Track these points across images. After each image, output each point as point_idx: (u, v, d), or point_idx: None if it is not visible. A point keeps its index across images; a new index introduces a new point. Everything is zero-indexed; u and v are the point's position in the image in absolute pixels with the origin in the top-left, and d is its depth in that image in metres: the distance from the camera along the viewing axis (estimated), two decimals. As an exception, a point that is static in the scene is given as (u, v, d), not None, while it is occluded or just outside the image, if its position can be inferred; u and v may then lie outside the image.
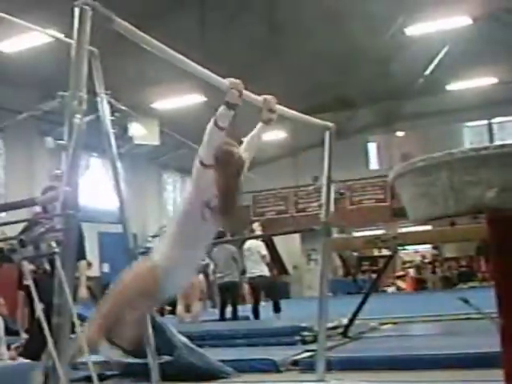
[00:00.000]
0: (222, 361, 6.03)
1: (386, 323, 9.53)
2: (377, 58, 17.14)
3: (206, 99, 16.84)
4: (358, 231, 22.95)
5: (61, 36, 3.49)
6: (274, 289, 12.77)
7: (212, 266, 11.93)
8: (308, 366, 5.66)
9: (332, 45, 16.21)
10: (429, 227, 5.73)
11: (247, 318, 11.78)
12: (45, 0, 11.74)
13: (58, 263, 2.16)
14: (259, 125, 3.94)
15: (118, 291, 3.48)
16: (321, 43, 16.00)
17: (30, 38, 12.06)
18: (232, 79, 3.40)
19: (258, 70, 13.97)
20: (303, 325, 7.90)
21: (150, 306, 3.79)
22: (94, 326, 3.22)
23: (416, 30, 15.20)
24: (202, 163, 3.31)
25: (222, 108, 3.34)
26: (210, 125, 3.31)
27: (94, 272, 16.90)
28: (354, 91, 19.35)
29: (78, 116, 2.31)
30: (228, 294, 11.79)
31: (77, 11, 2.46)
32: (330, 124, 4.87)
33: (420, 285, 23.37)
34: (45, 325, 2.13)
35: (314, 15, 15.13)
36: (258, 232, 12.36)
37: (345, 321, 8.22)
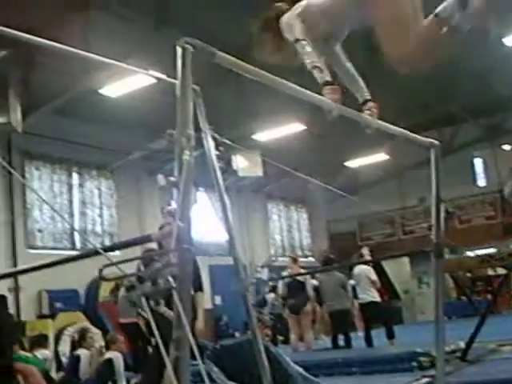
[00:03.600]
0: (339, 389, 5.96)
1: (506, 345, 9.16)
2: (476, 72, 16.73)
3: (305, 127, 16.94)
4: (469, 250, 22.26)
5: (163, 76, 3.60)
6: (386, 314, 12.54)
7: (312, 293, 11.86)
8: (428, 392, 5.51)
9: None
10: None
11: (360, 346, 11.63)
12: (144, 43, 12.15)
13: (176, 297, 2.21)
14: None
15: None
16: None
17: (132, 81, 12.52)
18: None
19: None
20: (419, 350, 7.72)
21: None
22: None
23: (515, 39, 14.79)
24: None
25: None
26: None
27: (207, 304, 17.16)
28: (455, 107, 18.96)
29: (187, 152, 2.37)
30: (339, 322, 11.68)
31: (179, 50, 2.54)
32: (435, 141, 4.76)
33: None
34: (166, 360, 2.17)
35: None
36: (367, 257, 12.20)
37: (462, 344, 7.96)
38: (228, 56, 2.86)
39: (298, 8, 3.88)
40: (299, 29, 3.81)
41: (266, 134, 17.11)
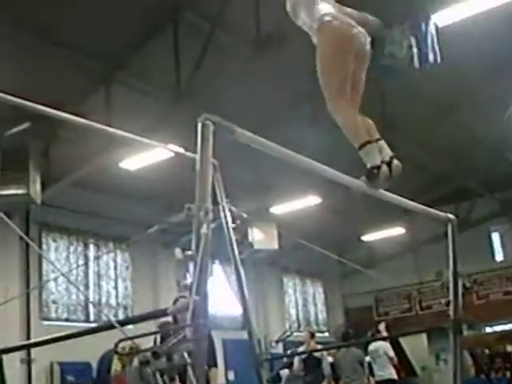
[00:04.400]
0: None
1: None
2: (493, 146, 16.80)
3: (321, 200, 16.97)
4: (487, 326, 21.90)
5: (183, 151, 3.65)
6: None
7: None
8: None
9: (445, 135, 16.07)
10: None
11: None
12: (164, 117, 12.34)
13: (191, 373, 2.18)
14: None
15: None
16: (434, 135, 15.88)
17: (151, 155, 12.68)
18: None
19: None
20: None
21: None
22: None
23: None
24: None
25: None
26: None
27: (220, 379, 16.85)
28: (472, 181, 18.95)
29: (205, 226, 2.38)
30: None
31: (199, 126, 2.58)
32: (452, 216, 4.75)
33: None
34: None
35: (424, 108, 15.12)
36: (384, 333, 12.02)
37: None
38: (247, 133, 2.90)
39: None
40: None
41: (282, 207, 17.14)
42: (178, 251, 2.46)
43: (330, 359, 11.89)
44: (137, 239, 12.99)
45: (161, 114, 12.39)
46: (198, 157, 2.53)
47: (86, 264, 15.88)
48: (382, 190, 4.01)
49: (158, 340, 6.23)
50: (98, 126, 3.34)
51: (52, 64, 11.40)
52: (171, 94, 11.97)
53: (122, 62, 12.10)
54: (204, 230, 2.38)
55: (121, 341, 2.14)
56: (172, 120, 12.01)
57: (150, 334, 2.48)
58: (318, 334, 17.53)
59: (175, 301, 5.87)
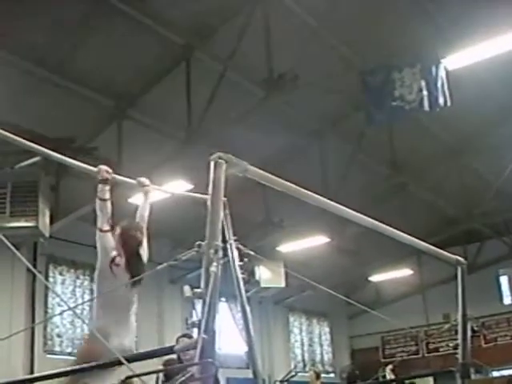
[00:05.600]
0: None
1: None
2: (502, 190, 16.79)
3: (329, 240, 16.93)
4: (494, 370, 21.59)
5: (190, 187, 3.67)
6: None
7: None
8: None
9: (454, 178, 16.08)
10: None
11: None
12: (175, 154, 12.40)
13: (197, 412, 2.16)
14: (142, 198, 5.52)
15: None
16: (442, 178, 15.91)
17: (160, 194, 12.71)
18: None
19: (382, 208, 13.96)
20: None
21: None
22: None
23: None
24: (100, 230, 4.82)
25: (99, 186, 4.84)
26: (97, 201, 4.86)
27: (223, 419, 16.62)
28: (481, 223, 18.90)
29: (215, 264, 2.38)
30: None
31: (212, 165, 2.59)
32: (462, 259, 4.75)
33: None
34: None
35: (433, 152, 15.18)
36: (391, 375, 11.89)
37: None
38: (259, 171, 2.92)
39: None
40: None
41: (289, 246, 17.09)
42: (187, 289, 2.44)
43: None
44: (147, 274, 12.94)
45: (172, 151, 12.44)
46: (209, 195, 2.54)
47: (92, 299, 15.80)
48: (393, 230, 4.02)
49: (161, 378, 6.17)
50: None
51: (66, 100, 11.51)
52: (182, 132, 12.04)
53: (134, 100, 12.21)
54: (213, 268, 2.37)
55: (128, 378, 2.13)
56: (183, 157, 12.05)
57: (158, 371, 2.47)
58: (323, 375, 17.35)
59: (178, 338, 5.85)
